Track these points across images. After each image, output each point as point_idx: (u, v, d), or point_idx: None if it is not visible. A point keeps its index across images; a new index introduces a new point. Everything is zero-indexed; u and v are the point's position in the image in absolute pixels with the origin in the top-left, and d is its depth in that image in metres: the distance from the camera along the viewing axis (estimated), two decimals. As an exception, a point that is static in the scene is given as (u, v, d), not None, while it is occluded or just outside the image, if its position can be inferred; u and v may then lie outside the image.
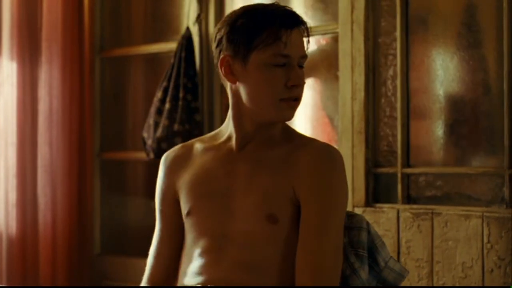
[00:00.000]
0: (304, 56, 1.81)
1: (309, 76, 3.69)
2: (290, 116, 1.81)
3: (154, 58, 4.36)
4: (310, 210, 1.74)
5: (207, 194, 1.82)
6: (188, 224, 1.84)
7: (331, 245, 1.73)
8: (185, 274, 1.83)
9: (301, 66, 1.81)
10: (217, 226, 1.78)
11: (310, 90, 3.67)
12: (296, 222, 1.76)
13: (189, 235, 1.84)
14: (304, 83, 1.82)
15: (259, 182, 1.77)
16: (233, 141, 1.85)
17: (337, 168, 1.78)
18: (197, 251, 1.80)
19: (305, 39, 1.81)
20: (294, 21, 1.79)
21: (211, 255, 1.77)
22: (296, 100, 1.80)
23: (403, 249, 3.23)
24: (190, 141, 1.96)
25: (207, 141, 1.92)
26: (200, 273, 1.78)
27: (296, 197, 1.76)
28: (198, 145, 1.91)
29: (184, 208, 1.85)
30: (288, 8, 1.81)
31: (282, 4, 1.84)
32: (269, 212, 1.75)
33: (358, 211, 3.32)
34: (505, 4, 3.02)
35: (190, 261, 1.82)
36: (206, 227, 1.80)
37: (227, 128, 1.89)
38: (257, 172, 1.79)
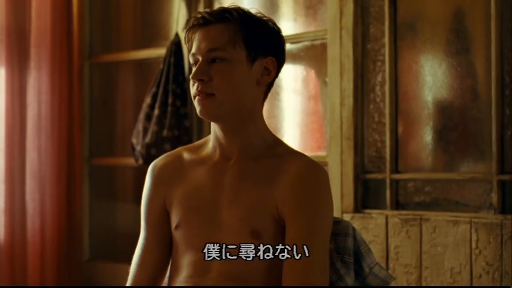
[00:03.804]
0: (213, 49, 1.77)
1: (298, 81, 3.69)
2: (201, 112, 1.79)
3: (143, 64, 4.35)
4: (296, 231, 1.75)
5: (196, 207, 1.82)
6: (176, 236, 1.85)
7: (318, 264, 1.74)
8: (171, 284, 1.83)
9: (214, 60, 1.78)
10: (205, 239, 1.79)
11: (299, 96, 3.67)
12: (280, 238, 1.77)
13: (177, 248, 1.85)
14: (202, 77, 1.77)
15: (244, 197, 1.78)
16: (218, 152, 1.85)
17: (322, 189, 1.79)
18: (184, 263, 1.81)
19: (220, 30, 1.78)
20: (198, 22, 1.79)
21: (198, 266, 1.78)
22: (203, 95, 1.77)
23: (391, 254, 3.23)
24: (176, 150, 1.94)
25: (195, 151, 1.90)
26: (186, 282, 1.79)
27: (279, 215, 1.77)
28: (186, 155, 1.90)
29: (174, 221, 1.85)
30: (210, 9, 1.83)
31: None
32: (252, 228, 1.76)
33: (346, 217, 3.32)
34: (493, 11, 3.03)
35: (177, 272, 1.83)
36: (194, 239, 1.81)
37: (212, 138, 1.89)
38: (242, 185, 1.80)
